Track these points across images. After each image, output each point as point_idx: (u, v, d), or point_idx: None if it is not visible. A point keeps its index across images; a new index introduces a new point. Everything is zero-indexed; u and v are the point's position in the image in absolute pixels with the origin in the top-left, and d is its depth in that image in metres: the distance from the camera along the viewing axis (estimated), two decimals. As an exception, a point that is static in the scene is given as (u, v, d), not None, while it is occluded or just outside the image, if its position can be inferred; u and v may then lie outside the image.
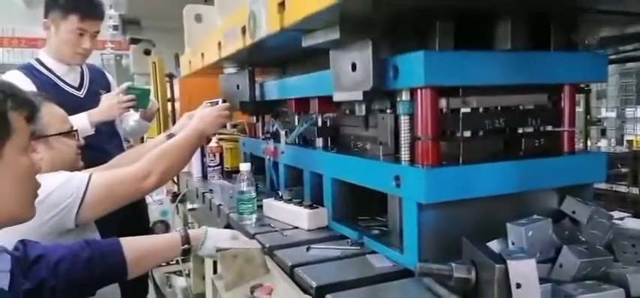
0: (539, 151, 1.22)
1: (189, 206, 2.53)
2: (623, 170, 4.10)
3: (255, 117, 2.27)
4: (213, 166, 2.26)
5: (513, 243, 1.02)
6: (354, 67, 1.18)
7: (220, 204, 1.94)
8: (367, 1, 0.97)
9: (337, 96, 1.28)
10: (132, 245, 1.12)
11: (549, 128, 1.26)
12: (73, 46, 1.94)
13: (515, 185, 1.15)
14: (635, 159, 4.06)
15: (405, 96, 1.15)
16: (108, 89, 2.17)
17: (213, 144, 2.33)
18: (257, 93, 2.10)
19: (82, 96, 2.04)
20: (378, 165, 1.25)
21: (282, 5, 1.15)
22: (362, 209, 1.52)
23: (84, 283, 1.03)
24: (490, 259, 0.81)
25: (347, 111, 1.61)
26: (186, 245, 1.20)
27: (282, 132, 1.88)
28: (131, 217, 2.25)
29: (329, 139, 1.68)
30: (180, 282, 3.40)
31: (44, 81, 1.92)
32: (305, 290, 1.08)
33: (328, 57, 1.34)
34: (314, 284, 1.06)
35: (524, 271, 0.78)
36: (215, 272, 1.80)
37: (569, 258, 0.91)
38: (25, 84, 1.76)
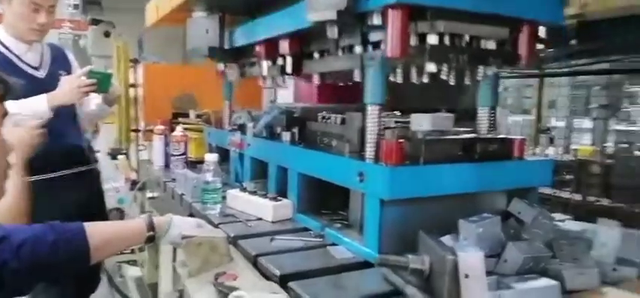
0: (492, 156, 1.31)
1: (149, 194, 2.50)
2: (568, 177, 4.37)
3: (222, 64, 2.19)
4: (177, 155, 2.25)
5: (465, 239, 1.10)
6: None
7: (183, 194, 1.94)
8: None
9: (311, 16, 1.25)
10: (96, 230, 1.12)
11: (502, 135, 1.35)
12: (27, 21, 1.87)
13: (469, 186, 1.24)
14: (580, 167, 4.34)
15: (376, 19, 1.16)
16: (69, 71, 2.10)
17: (177, 133, 2.31)
18: (226, 41, 2.03)
19: (41, 76, 1.97)
20: (343, 161, 1.31)
21: None
22: (325, 203, 1.57)
23: (47, 266, 1.02)
24: (442, 251, 0.88)
25: (316, 56, 1.59)
26: (151, 232, 1.21)
27: (250, 125, 1.91)
28: (88, 201, 2.21)
29: (296, 133, 1.72)
30: (131, 272, 3.36)
31: (1, 60, 1.85)
32: (268, 279, 1.12)
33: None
34: (278, 272, 1.10)
35: (472, 263, 0.85)
36: (174, 260, 1.80)
37: (513, 254, 0.99)
38: None
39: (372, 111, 1.26)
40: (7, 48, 1.89)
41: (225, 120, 2.35)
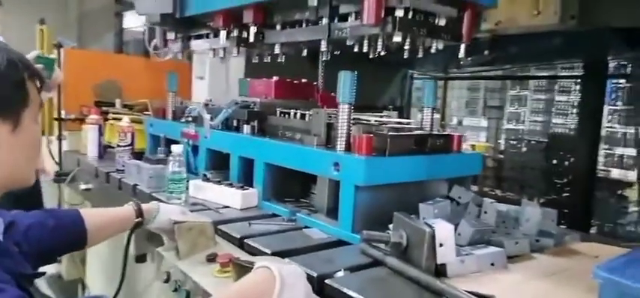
0: (439, 149, 1.55)
1: (82, 186, 2.41)
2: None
3: (173, 34, 2.20)
4: (124, 146, 2.21)
5: (424, 218, 1.32)
6: None
7: (137, 184, 1.94)
8: None
9: None
10: (90, 216, 1.15)
11: (447, 132, 1.60)
12: None
13: (423, 174, 1.47)
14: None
15: None
16: None
17: (124, 123, 2.27)
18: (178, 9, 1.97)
19: None
20: (318, 153, 1.46)
21: None
22: (287, 191, 1.71)
23: (50, 250, 1.04)
24: (421, 226, 1.08)
25: (278, 28, 1.73)
26: (139, 219, 1.26)
27: (207, 117, 1.97)
28: (26, 197, 2.08)
29: (256, 125, 1.84)
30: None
31: None
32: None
33: None
34: (268, 251, 1.23)
35: (445, 234, 1.06)
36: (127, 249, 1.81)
37: (466, 228, 1.23)
38: None
39: (343, 109, 1.42)
40: None
41: (169, 111, 2.36)
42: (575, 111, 4.30)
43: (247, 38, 1.76)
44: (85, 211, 1.16)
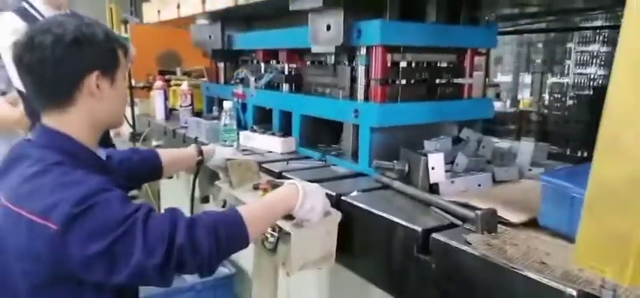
0: (448, 96, 1.78)
1: (154, 143, 2.85)
2: (512, 127, 5.01)
3: (222, 63, 2.62)
4: (185, 106, 2.60)
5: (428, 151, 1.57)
6: (328, 28, 1.64)
7: (196, 137, 2.32)
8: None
9: (315, 49, 1.73)
10: (164, 153, 1.52)
11: (455, 80, 1.83)
12: None
13: (431, 117, 1.71)
14: (521, 116, 4.99)
15: (363, 51, 1.63)
16: None
17: (185, 87, 2.66)
18: (226, 43, 2.47)
19: None
20: (341, 103, 1.74)
21: None
22: (320, 138, 2.02)
23: (136, 177, 1.41)
24: (417, 155, 1.35)
25: (308, 63, 2.07)
26: (200, 157, 1.62)
27: (252, 79, 2.29)
28: None
29: (293, 85, 2.14)
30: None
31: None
32: (292, 186, 1.56)
33: (291, 17, 1.79)
34: (296, 180, 1.54)
35: (436, 159, 1.32)
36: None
37: (461, 158, 1.48)
38: (21, 27, 1.89)
39: (362, 68, 1.69)
40: (40, 13, 2.09)
41: (221, 76, 2.72)
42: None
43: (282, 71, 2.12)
44: (160, 150, 1.53)
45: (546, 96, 5.10)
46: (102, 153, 1.20)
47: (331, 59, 1.84)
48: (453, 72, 1.80)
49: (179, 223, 1.00)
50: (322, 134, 2.01)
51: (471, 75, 1.82)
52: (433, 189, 1.35)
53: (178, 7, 2.49)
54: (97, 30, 1.08)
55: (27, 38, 1.03)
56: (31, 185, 0.96)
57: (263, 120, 2.28)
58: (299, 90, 2.14)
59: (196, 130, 2.36)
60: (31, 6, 2.07)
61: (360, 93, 1.69)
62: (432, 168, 1.33)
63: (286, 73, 2.12)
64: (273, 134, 2.05)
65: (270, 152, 1.99)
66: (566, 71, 5.02)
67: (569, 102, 4.85)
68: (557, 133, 4.78)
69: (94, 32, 1.07)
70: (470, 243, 0.99)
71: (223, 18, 2.42)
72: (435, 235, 1.06)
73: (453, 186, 1.36)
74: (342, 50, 1.70)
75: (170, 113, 3.00)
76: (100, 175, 1.03)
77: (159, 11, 2.78)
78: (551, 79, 5.11)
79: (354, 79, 1.81)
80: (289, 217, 1.25)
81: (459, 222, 1.12)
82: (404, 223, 1.14)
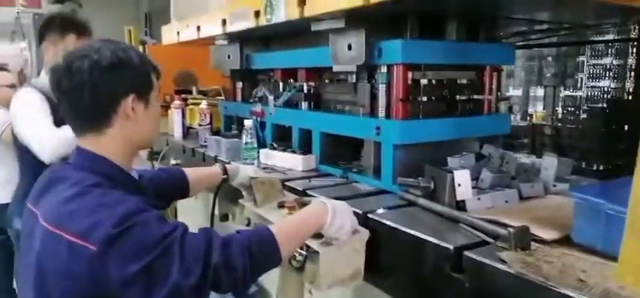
0: (469, 112, 1.79)
1: (173, 161, 2.87)
2: (525, 140, 4.99)
3: (240, 82, 2.66)
4: (205, 125, 2.63)
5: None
6: (350, 47, 1.66)
7: (216, 155, 2.35)
8: (370, 6, 1.45)
9: (336, 68, 1.75)
10: (190, 172, 1.55)
11: (475, 96, 1.83)
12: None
13: (452, 134, 1.72)
14: (534, 130, 4.97)
15: (383, 69, 1.65)
16: None
17: (203, 106, 2.69)
18: (244, 63, 2.49)
19: None
20: (362, 120, 1.76)
21: (303, 1, 1.60)
22: (339, 155, 2.02)
23: (164, 196, 1.43)
24: (444, 172, 1.36)
25: (327, 81, 2.09)
26: (224, 176, 1.64)
27: (270, 97, 2.32)
28: None
29: (312, 103, 2.16)
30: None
31: (52, 101, 1.95)
32: (316, 204, 1.56)
33: (308, 37, 1.82)
34: (324, 199, 1.55)
35: (462, 176, 1.33)
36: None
37: (486, 175, 1.48)
38: (38, 99, 1.93)
39: (382, 86, 1.70)
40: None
41: (239, 94, 2.75)
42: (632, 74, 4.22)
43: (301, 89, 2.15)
44: (186, 169, 1.55)
45: (559, 109, 5.09)
46: (134, 174, 1.22)
47: (352, 77, 1.85)
48: (472, 89, 1.81)
49: (214, 242, 1.01)
50: (342, 151, 2.02)
51: (490, 92, 1.83)
52: (460, 205, 1.35)
53: (198, 29, 2.53)
54: (132, 54, 1.11)
55: (65, 64, 1.06)
56: (70, 206, 0.98)
57: (282, 137, 2.30)
58: (318, 108, 2.16)
59: (216, 149, 2.39)
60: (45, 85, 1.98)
61: (381, 111, 1.70)
62: (459, 185, 1.33)
63: (305, 91, 2.14)
64: (293, 152, 2.07)
65: (291, 169, 2.00)
66: (578, 84, 5.01)
67: (583, 115, 4.83)
68: (572, 147, 4.74)
69: (129, 56, 1.10)
70: (505, 261, 0.99)
71: (242, 38, 2.46)
72: (467, 253, 1.06)
73: (480, 203, 1.36)
74: (363, 68, 1.71)
75: (188, 132, 3.04)
76: (136, 195, 1.05)
77: (178, 32, 2.82)
78: (563, 92, 5.10)
79: (374, 96, 1.83)
80: (317, 235, 1.26)
81: (490, 240, 1.12)
82: (434, 241, 1.14)
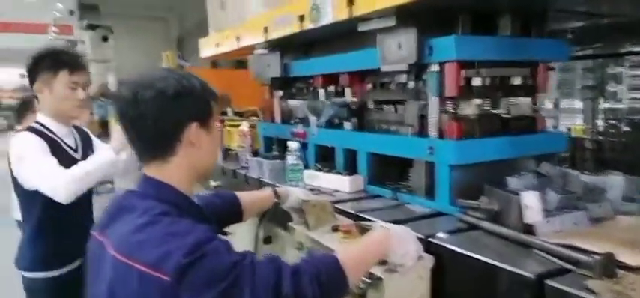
0: (523, 130, 1.73)
1: (213, 183, 2.88)
2: (564, 155, 4.84)
3: (280, 91, 2.63)
4: (245, 146, 2.63)
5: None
6: (400, 46, 1.62)
7: (259, 177, 2.33)
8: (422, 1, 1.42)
9: (385, 68, 1.70)
10: (243, 196, 1.53)
11: (529, 113, 1.77)
12: (70, 99, 1.94)
13: (508, 152, 1.66)
14: (574, 144, 4.81)
15: (434, 68, 1.59)
16: (92, 148, 2.14)
17: (244, 128, 2.70)
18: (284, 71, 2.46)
19: (79, 158, 2.01)
20: (413, 140, 1.71)
21: (351, 1, 1.58)
22: (387, 175, 1.98)
23: (220, 221, 1.41)
24: (510, 194, 1.30)
25: (369, 86, 2.03)
26: (276, 199, 1.61)
27: (313, 118, 2.30)
28: None
29: (356, 121, 2.13)
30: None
31: (52, 142, 1.91)
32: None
33: (349, 41, 1.78)
34: (381, 222, 1.51)
35: (531, 199, 1.27)
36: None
37: (552, 196, 1.41)
38: (38, 142, 1.84)
39: (433, 101, 1.66)
40: (52, 131, 1.94)
41: (277, 115, 2.74)
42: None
43: (342, 95, 2.11)
44: (238, 193, 1.53)
45: (599, 122, 4.92)
46: (194, 199, 1.20)
47: (400, 78, 1.78)
48: (525, 89, 1.73)
49: (284, 272, 0.98)
50: (389, 171, 1.97)
51: (543, 90, 1.74)
52: (527, 230, 1.29)
53: (238, 39, 2.52)
54: (194, 82, 1.11)
55: (130, 94, 1.06)
56: (141, 236, 0.97)
57: (324, 158, 2.27)
58: (362, 127, 2.13)
59: (258, 170, 2.37)
60: (42, 125, 1.94)
61: (433, 129, 1.66)
62: (527, 207, 1.27)
63: (349, 102, 2.09)
64: (338, 173, 2.03)
65: (337, 191, 1.96)
66: (618, 96, 4.85)
67: (625, 128, 4.66)
68: (616, 161, 4.57)
69: (193, 84, 1.10)
70: (593, 291, 0.93)
71: (282, 46, 2.43)
72: (549, 282, 1.00)
73: (549, 226, 1.30)
74: (412, 70, 1.65)
75: (226, 153, 3.04)
76: (203, 223, 1.03)
77: (217, 44, 2.83)
78: (603, 105, 4.95)
79: (422, 116, 1.79)
80: (381, 261, 1.21)
81: (571, 267, 1.06)
82: (511, 268, 1.08)
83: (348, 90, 2.08)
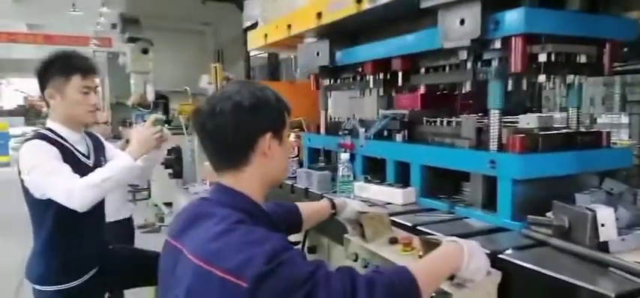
0: (589, 145, 1.68)
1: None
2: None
3: (329, 80, 2.57)
4: (293, 158, 2.65)
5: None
6: (462, 22, 1.58)
7: (307, 188, 2.34)
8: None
9: (447, 45, 1.65)
10: (302, 207, 1.54)
11: (595, 129, 1.71)
12: (83, 104, 1.90)
13: (573, 168, 1.61)
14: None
15: (497, 44, 1.54)
16: (105, 154, 2.11)
17: (291, 139, 2.71)
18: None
19: (91, 164, 1.97)
20: (471, 153, 1.69)
21: None
22: (439, 189, 1.95)
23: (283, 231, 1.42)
24: (583, 210, 1.26)
25: (423, 70, 1.97)
26: (333, 210, 1.61)
27: (361, 130, 2.30)
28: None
29: (407, 133, 2.11)
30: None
31: (63, 148, 1.87)
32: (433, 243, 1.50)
33: (399, 26, 1.77)
34: (440, 236, 1.48)
35: (606, 216, 1.23)
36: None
37: (623, 213, 1.36)
38: (49, 149, 1.80)
39: (494, 114, 1.63)
40: (63, 138, 1.90)
41: (323, 126, 2.75)
42: None
43: (393, 81, 2.06)
44: (298, 203, 1.54)
45: (647, 137, 4.74)
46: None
47: (457, 57, 1.70)
48: (591, 68, 1.66)
49: (358, 282, 0.98)
50: (443, 183, 1.94)
51: (610, 70, 1.67)
52: (601, 247, 1.24)
53: (289, 27, 2.52)
54: (269, 94, 1.13)
55: (209, 106, 1.09)
56: (220, 243, 0.98)
57: (373, 169, 2.26)
58: (412, 139, 2.11)
59: (306, 181, 2.38)
60: (53, 132, 1.90)
61: (493, 143, 1.63)
62: (602, 225, 1.23)
63: (400, 115, 2.07)
64: (389, 185, 2.02)
65: (389, 203, 1.95)
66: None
67: (675, 143, 4.46)
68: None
69: (267, 96, 1.12)
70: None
71: (331, 34, 2.41)
72: (634, 302, 0.96)
73: (624, 244, 1.25)
74: (475, 45, 1.59)
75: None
76: (276, 232, 1.04)
77: (266, 35, 2.84)
78: (651, 119, 4.76)
79: (479, 129, 1.76)
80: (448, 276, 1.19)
81: (656, 287, 1.01)
82: (589, 287, 1.04)
83: (399, 75, 2.00)
